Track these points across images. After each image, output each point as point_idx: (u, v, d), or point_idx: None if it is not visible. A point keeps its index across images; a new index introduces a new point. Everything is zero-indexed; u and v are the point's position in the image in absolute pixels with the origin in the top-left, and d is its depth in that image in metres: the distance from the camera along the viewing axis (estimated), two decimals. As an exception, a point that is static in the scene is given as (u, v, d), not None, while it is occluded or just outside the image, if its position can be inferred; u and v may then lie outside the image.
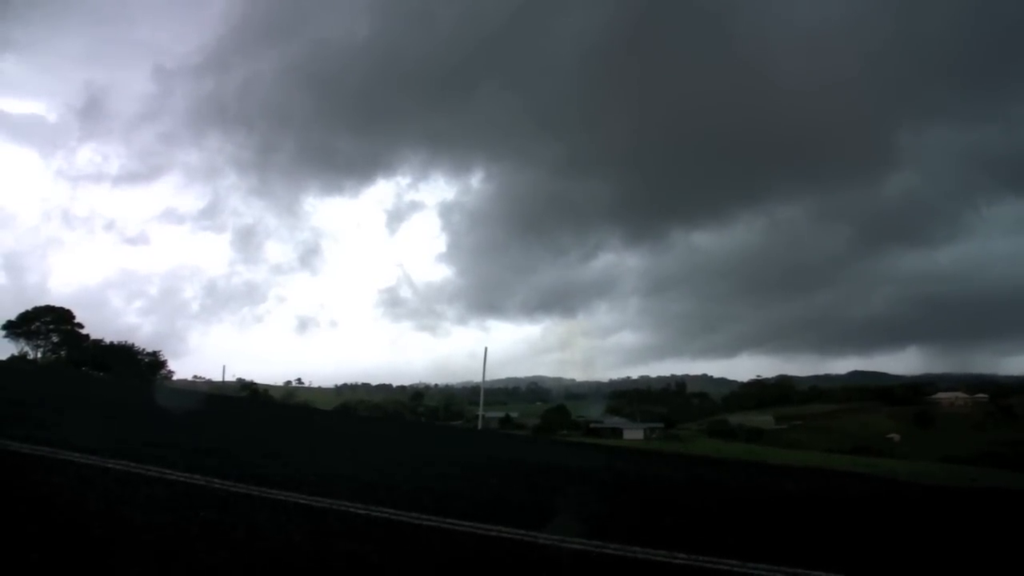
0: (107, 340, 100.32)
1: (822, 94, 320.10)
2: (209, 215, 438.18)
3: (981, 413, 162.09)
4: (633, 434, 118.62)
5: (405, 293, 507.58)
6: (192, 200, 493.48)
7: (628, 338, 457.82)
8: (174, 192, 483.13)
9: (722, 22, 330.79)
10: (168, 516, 8.71)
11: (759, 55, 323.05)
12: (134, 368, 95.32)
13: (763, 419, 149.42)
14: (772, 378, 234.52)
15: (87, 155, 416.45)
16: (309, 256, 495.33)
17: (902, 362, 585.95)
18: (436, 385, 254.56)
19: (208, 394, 59.32)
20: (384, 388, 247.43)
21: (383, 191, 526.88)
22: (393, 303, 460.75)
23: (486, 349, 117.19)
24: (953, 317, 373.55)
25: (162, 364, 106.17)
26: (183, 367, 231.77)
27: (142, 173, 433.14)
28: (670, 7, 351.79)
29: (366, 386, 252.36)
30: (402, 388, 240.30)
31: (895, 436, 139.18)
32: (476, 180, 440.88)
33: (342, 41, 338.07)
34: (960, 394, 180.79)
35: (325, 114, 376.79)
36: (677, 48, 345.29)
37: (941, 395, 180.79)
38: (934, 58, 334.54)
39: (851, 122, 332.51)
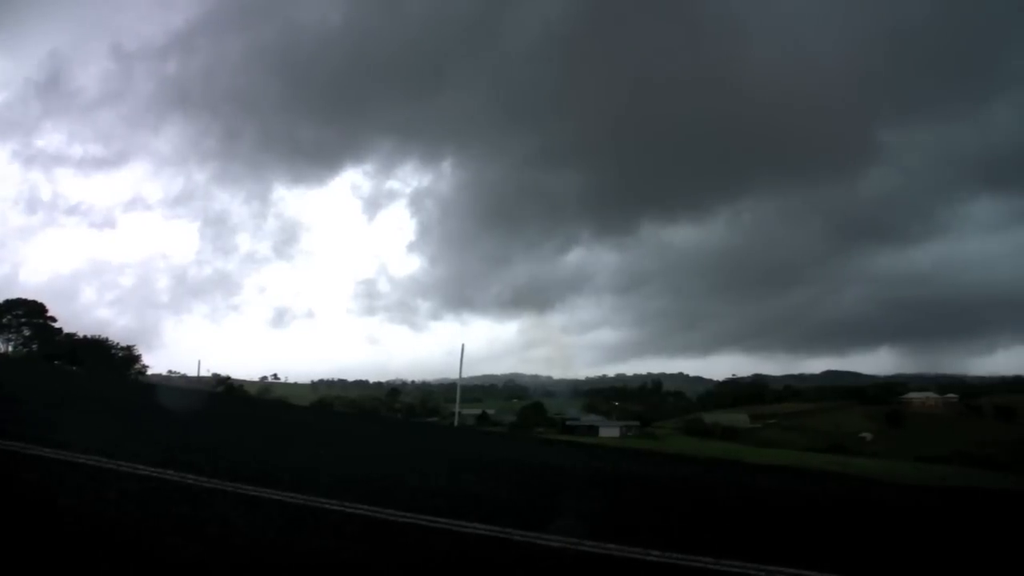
0: (80, 334, 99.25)
1: (800, 88, 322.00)
2: (178, 203, 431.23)
3: (951, 413, 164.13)
4: (609, 432, 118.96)
5: (379, 286, 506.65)
6: (160, 187, 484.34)
7: (605, 335, 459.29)
8: (141, 178, 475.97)
9: (696, 11, 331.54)
10: (140, 512, 8.64)
11: (735, 47, 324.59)
12: (108, 362, 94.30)
13: (738, 418, 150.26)
14: (747, 377, 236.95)
15: (50, 135, 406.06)
16: (281, 246, 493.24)
17: (875, 362, 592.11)
18: (413, 381, 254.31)
19: (183, 389, 58.90)
20: (360, 384, 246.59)
21: (352, 180, 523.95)
22: (367, 296, 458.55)
23: (463, 346, 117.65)
24: (924, 317, 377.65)
25: (136, 358, 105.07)
26: (158, 361, 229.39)
27: (108, 158, 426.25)
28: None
29: (342, 382, 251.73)
30: (379, 384, 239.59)
31: (867, 435, 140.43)
32: (447, 170, 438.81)
33: (314, 26, 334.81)
34: (931, 394, 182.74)
35: (294, 100, 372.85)
36: (650, 38, 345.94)
37: (912, 395, 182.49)
38: (912, 55, 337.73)
39: (828, 117, 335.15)
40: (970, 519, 19.17)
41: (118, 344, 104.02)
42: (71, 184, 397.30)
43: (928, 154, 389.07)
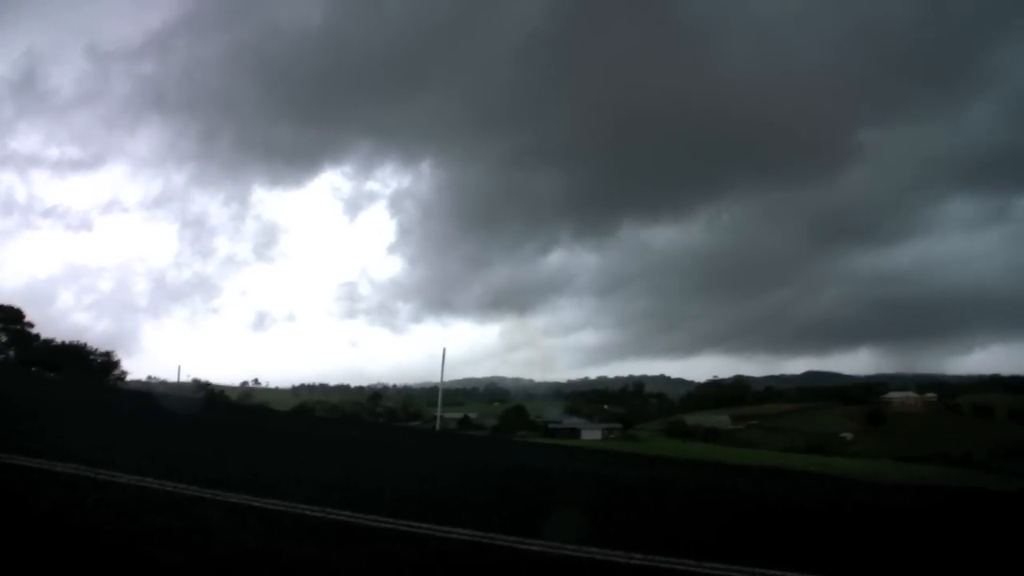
0: (58, 340, 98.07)
1: (779, 89, 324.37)
2: (156, 205, 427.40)
3: (930, 412, 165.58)
4: (591, 434, 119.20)
5: (359, 289, 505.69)
6: (137, 189, 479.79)
7: (586, 337, 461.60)
8: (119, 180, 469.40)
9: (676, 12, 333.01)
10: (119, 521, 8.56)
11: (715, 48, 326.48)
12: (86, 369, 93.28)
13: (720, 419, 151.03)
14: (728, 378, 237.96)
15: (25, 136, 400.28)
16: (260, 248, 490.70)
17: (855, 362, 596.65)
18: (394, 386, 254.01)
19: (162, 395, 58.48)
20: (342, 389, 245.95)
21: (331, 181, 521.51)
22: (348, 298, 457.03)
23: (444, 350, 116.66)
24: (904, 317, 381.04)
25: (115, 364, 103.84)
26: (137, 367, 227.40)
27: (84, 160, 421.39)
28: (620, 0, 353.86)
29: (323, 386, 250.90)
30: (360, 389, 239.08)
31: (848, 435, 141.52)
32: (426, 171, 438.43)
33: (293, 27, 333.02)
34: (911, 394, 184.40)
35: (273, 101, 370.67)
36: (630, 40, 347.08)
37: (892, 395, 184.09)
38: (889, 56, 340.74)
39: (808, 118, 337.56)
40: (949, 518, 19.32)
41: (96, 350, 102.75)
42: (47, 186, 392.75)
43: (906, 154, 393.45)
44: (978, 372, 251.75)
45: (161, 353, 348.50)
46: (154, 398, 41.08)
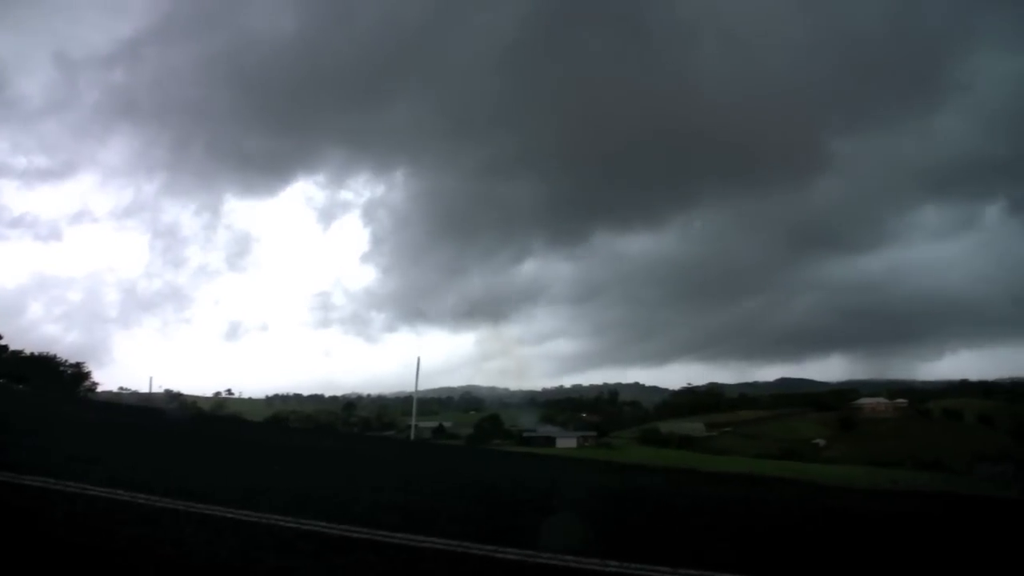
0: (27, 351, 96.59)
1: (751, 98, 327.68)
2: (126, 215, 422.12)
3: (901, 418, 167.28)
4: (566, 442, 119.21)
5: (333, 298, 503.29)
6: (107, 199, 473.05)
7: (561, 346, 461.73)
8: (88, 190, 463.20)
9: (647, 21, 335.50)
10: (90, 534, 8.47)
11: (687, 57, 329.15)
12: (56, 380, 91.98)
13: (694, 426, 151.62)
14: (702, 386, 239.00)
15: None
16: (233, 258, 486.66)
17: (828, 369, 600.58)
18: (369, 395, 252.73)
19: (134, 406, 57.84)
20: (316, 399, 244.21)
21: (304, 191, 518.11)
22: (321, 308, 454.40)
23: (419, 359, 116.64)
24: (875, 324, 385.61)
25: (86, 376, 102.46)
26: (108, 378, 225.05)
27: (53, 169, 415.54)
28: (590, 6, 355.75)
29: (297, 397, 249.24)
30: (334, 398, 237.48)
31: (821, 441, 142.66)
32: (399, 180, 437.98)
33: (265, 36, 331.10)
34: (882, 399, 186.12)
35: (244, 110, 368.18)
36: (602, 49, 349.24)
37: (864, 401, 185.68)
38: (861, 66, 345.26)
39: (780, 127, 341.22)
40: (919, 522, 19.52)
41: (66, 361, 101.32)
42: (15, 196, 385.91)
43: (877, 164, 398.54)
44: (948, 377, 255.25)
45: (132, 364, 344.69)
46: (125, 409, 40.66)
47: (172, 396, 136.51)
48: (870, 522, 18.34)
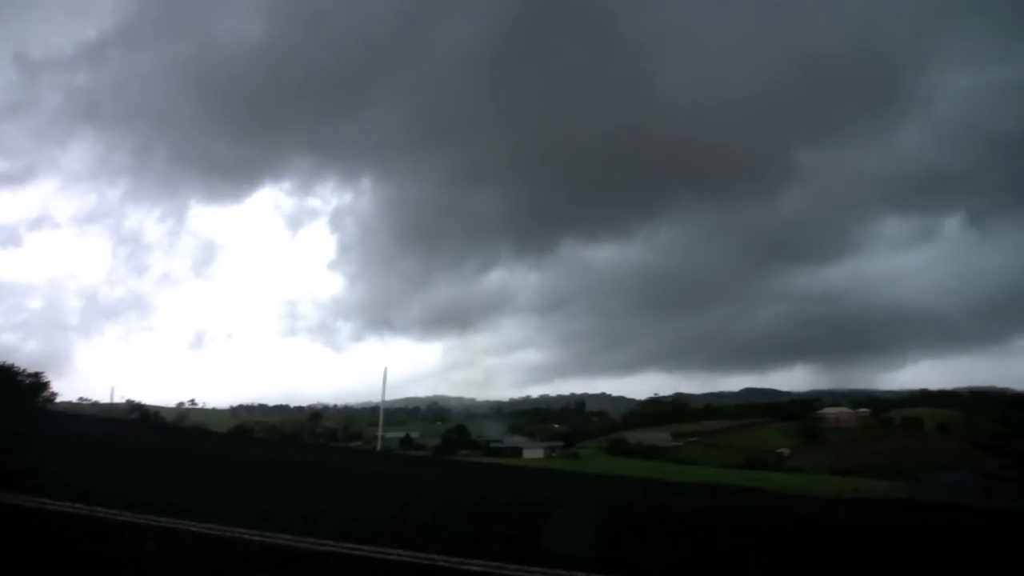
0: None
1: (717, 111, 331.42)
2: (88, 221, 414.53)
3: (864, 427, 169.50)
4: (533, 453, 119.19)
5: (299, 307, 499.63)
6: (69, 204, 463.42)
7: (528, 356, 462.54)
8: (49, 195, 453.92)
9: (615, 35, 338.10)
10: (48, 549, 8.32)
11: (653, 71, 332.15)
12: (13, 391, 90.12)
13: (660, 436, 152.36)
14: (668, 396, 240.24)
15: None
16: (198, 265, 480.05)
17: (791, 378, 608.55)
18: (335, 405, 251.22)
19: (94, 417, 56.87)
20: (281, 409, 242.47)
21: (270, 198, 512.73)
22: (288, 316, 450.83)
23: (385, 369, 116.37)
24: (837, 334, 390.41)
25: (44, 386, 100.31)
26: (68, 389, 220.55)
27: (12, 174, 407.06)
28: (557, 17, 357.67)
29: (263, 407, 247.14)
30: (300, 409, 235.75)
31: (785, 451, 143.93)
32: (367, 189, 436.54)
33: (232, 42, 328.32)
34: (844, 409, 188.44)
35: (210, 116, 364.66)
36: (570, 60, 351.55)
37: (827, 410, 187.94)
38: (824, 81, 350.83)
39: (746, 140, 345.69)
40: (882, 529, 19.76)
41: (24, 371, 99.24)
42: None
43: (839, 176, 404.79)
44: (908, 387, 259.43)
45: (94, 374, 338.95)
46: (85, 421, 40.00)
47: (134, 407, 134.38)
48: (836, 530, 18.53)
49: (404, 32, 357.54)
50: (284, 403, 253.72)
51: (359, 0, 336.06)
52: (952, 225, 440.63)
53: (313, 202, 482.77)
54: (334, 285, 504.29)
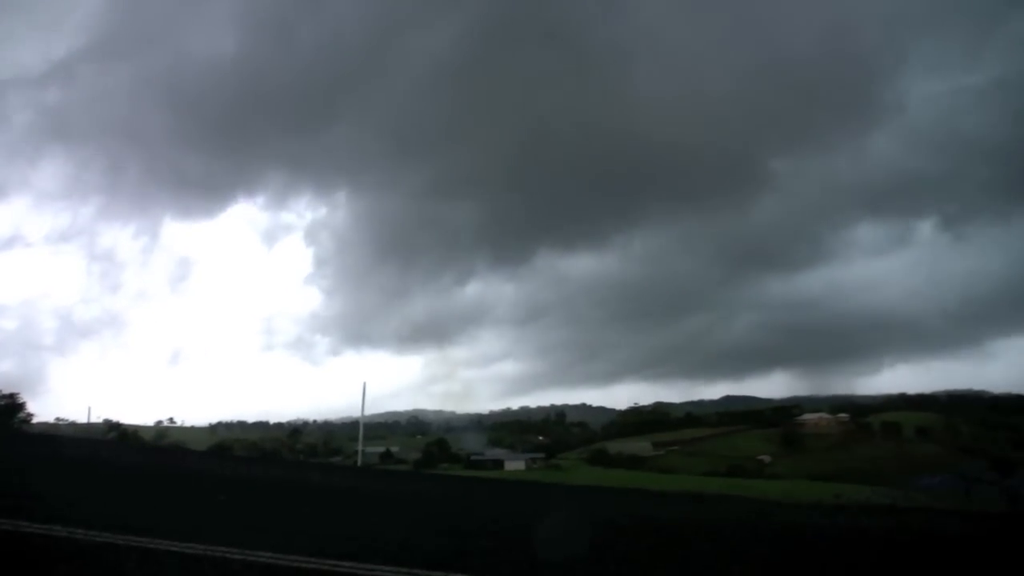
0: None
1: (691, 119, 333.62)
2: (61, 239, 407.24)
3: (843, 432, 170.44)
4: (514, 465, 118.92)
5: (276, 322, 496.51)
6: (41, 222, 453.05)
7: (507, 368, 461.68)
8: (20, 213, 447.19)
9: (587, 44, 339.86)
10: (25, 573, 8.22)
11: (628, 79, 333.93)
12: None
13: (641, 446, 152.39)
14: (648, 405, 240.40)
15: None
16: (173, 282, 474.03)
17: (770, 385, 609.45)
18: (315, 421, 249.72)
19: (71, 438, 56.24)
20: (261, 426, 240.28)
21: (245, 213, 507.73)
22: (265, 332, 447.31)
23: (364, 384, 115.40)
24: (814, 340, 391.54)
25: (20, 407, 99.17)
26: (44, 409, 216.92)
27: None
28: (528, 27, 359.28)
29: (242, 424, 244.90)
30: (280, 425, 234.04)
31: (766, 457, 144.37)
32: (341, 202, 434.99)
33: (204, 57, 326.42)
34: (824, 415, 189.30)
35: (182, 132, 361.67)
36: (542, 71, 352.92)
37: (807, 416, 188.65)
38: (797, 88, 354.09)
39: (720, 147, 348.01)
40: (861, 533, 19.89)
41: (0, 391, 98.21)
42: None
43: (814, 183, 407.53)
44: (886, 391, 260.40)
45: (70, 393, 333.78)
46: (62, 441, 39.58)
47: (112, 426, 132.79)
48: (818, 537, 18.64)
49: (375, 46, 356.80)
50: (263, 419, 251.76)
51: (331, 15, 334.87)
52: (925, 229, 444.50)
53: (287, 217, 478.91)
54: (311, 300, 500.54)
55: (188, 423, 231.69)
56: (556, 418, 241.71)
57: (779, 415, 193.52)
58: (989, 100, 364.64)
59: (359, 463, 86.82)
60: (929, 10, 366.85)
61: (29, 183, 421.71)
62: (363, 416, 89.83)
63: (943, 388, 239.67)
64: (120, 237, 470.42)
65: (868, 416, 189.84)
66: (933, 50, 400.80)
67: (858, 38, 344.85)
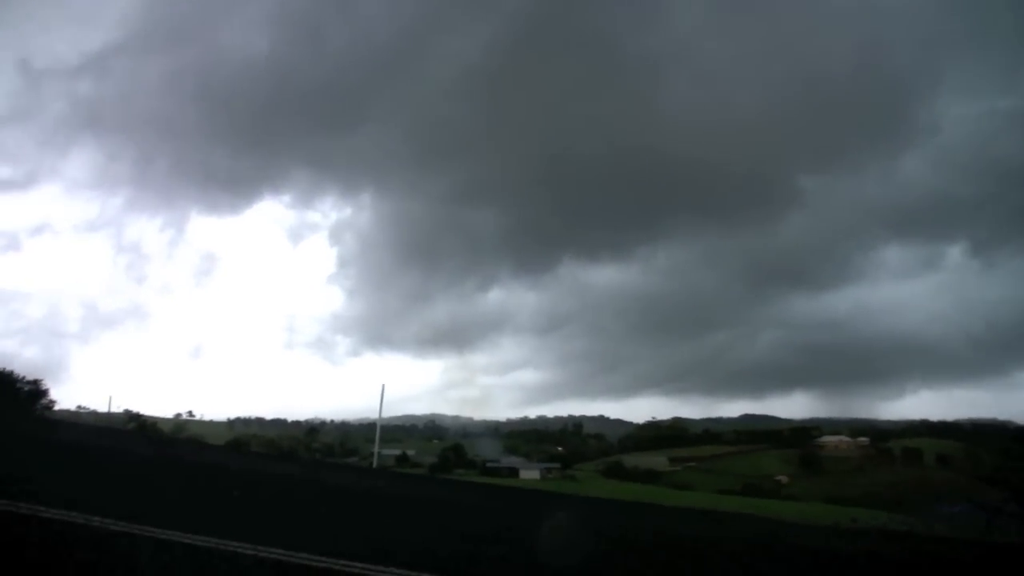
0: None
1: (720, 133, 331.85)
2: (89, 229, 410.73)
3: (863, 456, 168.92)
4: (530, 474, 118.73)
5: (297, 321, 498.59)
6: (70, 212, 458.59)
7: (526, 376, 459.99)
8: (50, 202, 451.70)
9: (618, 53, 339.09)
10: (42, 557, 8.31)
11: (656, 90, 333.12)
12: (12, 397, 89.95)
13: (657, 460, 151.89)
14: (666, 420, 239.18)
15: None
16: (197, 276, 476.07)
17: (790, 405, 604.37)
18: (332, 421, 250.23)
19: (91, 426, 56.80)
20: (278, 423, 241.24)
21: (270, 210, 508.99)
22: (286, 330, 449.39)
23: (383, 386, 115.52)
24: (837, 362, 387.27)
25: (43, 393, 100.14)
26: (66, 396, 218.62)
27: (15, 179, 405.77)
28: (558, 36, 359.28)
29: (259, 420, 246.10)
30: (297, 423, 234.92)
31: (783, 478, 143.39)
32: (367, 204, 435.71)
33: (236, 53, 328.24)
34: (844, 437, 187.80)
35: (212, 127, 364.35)
36: (570, 77, 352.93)
37: (826, 438, 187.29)
38: (829, 105, 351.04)
39: (749, 163, 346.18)
40: (876, 559, 19.68)
41: (23, 378, 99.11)
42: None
43: (843, 202, 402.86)
44: (908, 417, 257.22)
45: (92, 382, 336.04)
46: (82, 429, 39.97)
47: (132, 416, 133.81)
48: (833, 561, 18.46)
49: (405, 49, 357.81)
50: (281, 417, 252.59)
51: (361, 17, 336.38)
52: (954, 254, 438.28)
53: (313, 216, 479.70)
54: (333, 299, 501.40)
55: (207, 417, 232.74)
56: (573, 428, 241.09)
57: (798, 436, 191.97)
58: (1022, 123, 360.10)
59: (375, 465, 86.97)
60: (965, 32, 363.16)
61: (60, 172, 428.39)
62: (380, 418, 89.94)
63: (966, 416, 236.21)
64: (147, 229, 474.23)
65: (889, 441, 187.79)
66: (968, 72, 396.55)
67: (893, 58, 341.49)
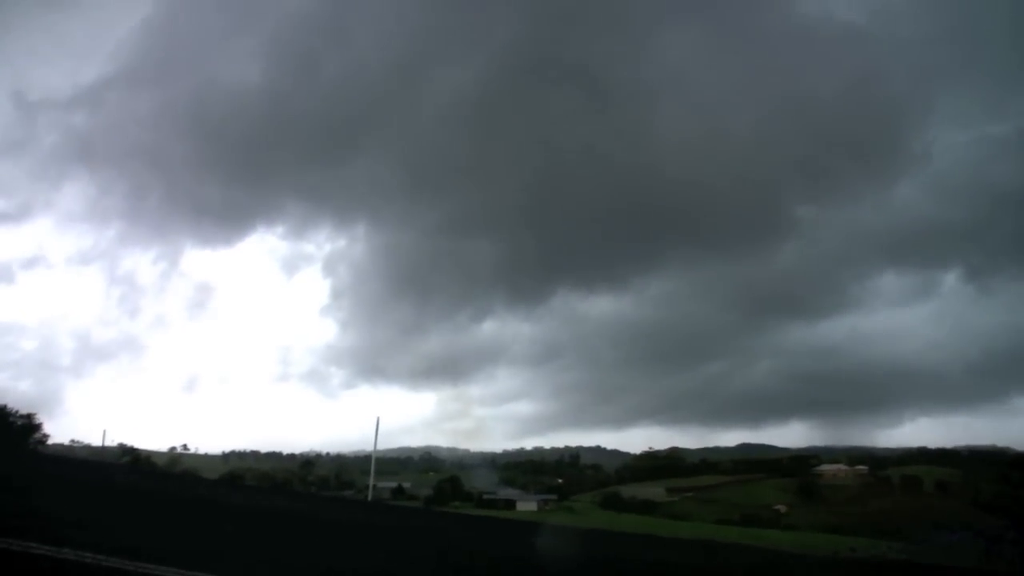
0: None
1: (714, 163, 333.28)
2: (82, 261, 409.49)
3: (861, 484, 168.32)
4: (526, 506, 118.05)
5: (292, 353, 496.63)
6: (63, 244, 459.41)
7: (522, 407, 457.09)
8: (43, 234, 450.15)
9: (610, 84, 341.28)
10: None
11: (651, 121, 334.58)
12: (5, 432, 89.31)
13: (655, 491, 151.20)
14: (663, 450, 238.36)
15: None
16: (190, 309, 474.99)
17: (788, 434, 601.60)
18: (328, 453, 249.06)
19: (84, 460, 56.45)
20: (273, 456, 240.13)
21: (264, 242, 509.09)
22: (280, 362, 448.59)
23: (378, 419, 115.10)
24: (834, 390, 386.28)
25: (36, 427, 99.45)
26: (60, 430, 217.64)
27: (8, 212, 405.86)
28: (550, 67, 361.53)
29: (255, 454, 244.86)
30: (292, 456, 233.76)
31: (782, 507, 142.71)
32: (360, 235, 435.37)
33: (229, 85, 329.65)
34: (842, 466, 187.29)
35: (205, 159, 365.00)
36: (564, 108, 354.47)
37: (824, 467, 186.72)
38: (822, 134, 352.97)
39: (744, 192, 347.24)
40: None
41: (16, 412, 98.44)
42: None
43: (838, 231, 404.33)
44: (906, 445, 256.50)
45: (86, 416, 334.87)
46: (76, 463, 39.73)
47: (126, 450, 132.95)
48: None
49: (397, 81, 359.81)
50: (276, 450, 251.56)
51: (354, 49, 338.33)
52: (950, 281, 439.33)
53: (307, 247, 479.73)
54: (327, 331, 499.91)
55: (201, 450, 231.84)
56: (570, 460, 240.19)
57: (796, 465, 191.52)
58: (1015, 151, 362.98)
59: (370, 497, 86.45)
60: (956, 60, 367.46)
61: (53, 204, 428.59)
62: (376, 450, 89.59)
63: (964, 443, 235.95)
64: (140, 262, 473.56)
65: (887, 469, 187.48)
66: (960, 100, 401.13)
67: (885, 86, 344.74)
